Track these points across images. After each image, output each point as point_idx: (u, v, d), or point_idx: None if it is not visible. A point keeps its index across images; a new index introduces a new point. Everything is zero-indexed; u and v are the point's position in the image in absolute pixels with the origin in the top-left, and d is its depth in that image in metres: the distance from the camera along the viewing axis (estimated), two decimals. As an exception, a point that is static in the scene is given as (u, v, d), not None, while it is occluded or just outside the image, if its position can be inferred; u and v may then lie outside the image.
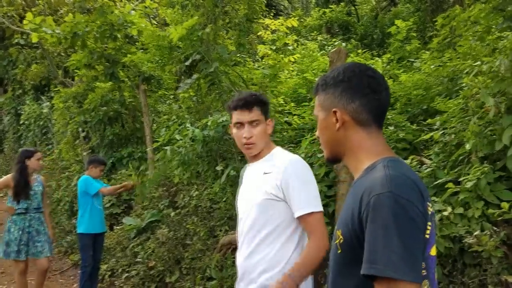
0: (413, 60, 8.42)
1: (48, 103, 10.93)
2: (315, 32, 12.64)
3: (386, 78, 5.79)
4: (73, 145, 8.84)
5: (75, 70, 7.41)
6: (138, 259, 5.43)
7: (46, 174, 8.78)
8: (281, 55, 5.51)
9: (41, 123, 11.59)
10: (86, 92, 7.80)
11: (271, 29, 5.72)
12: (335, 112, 1.26)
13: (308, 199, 1.96)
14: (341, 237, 1.20)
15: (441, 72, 5.88)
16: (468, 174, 3.35)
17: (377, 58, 7.96)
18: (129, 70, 7.00)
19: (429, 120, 4.71)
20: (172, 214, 5.61)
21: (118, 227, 6.34)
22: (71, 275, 6.17)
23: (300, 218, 1.96)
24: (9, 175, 4.90)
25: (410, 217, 1.05)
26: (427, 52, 8.59)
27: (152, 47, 6.24)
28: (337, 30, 13.65)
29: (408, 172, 1.17)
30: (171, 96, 8.38)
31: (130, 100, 7.86)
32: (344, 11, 14.09)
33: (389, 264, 1.01)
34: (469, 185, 3.10)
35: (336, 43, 10.50)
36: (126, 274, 5.25)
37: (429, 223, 1.14)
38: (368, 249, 1.06)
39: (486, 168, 3.11)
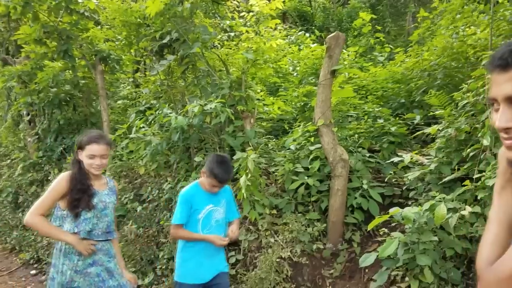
0: (378, 53, 8.41)
1: (-17, 82, 9.77)
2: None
3: (356, 70, 5.49)
4: (15, 129, 7.95)
5: (23, 46, 6.54)
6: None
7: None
8: (263, 40, 5.15)
9: (-27, 104, 10.38)
10: (34, 71, 6.96)
11: (247, 10, 5.32)
12: None
13: None
14: None
15: (420, 65, 5.81)
16: (481, 171, 3.23)
17: (344, 51, 7.85)
18: (85, 48, 6.30)
19: (409, 115, 4.62)
20: (139, 208, 5.10)
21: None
22: (21, 276, 5.42)
23: None
24: (65, 173, 2.73)
25: None
26: (390, 47, 8.63)
27: (118, 23, 5.63)
28: (296, 21, 13.44)
29: None
30: (130, 79, 7.74)
31: (84, 81, 7.12)
32: (303, 1, 13.91)
33: None
34: (490, 183, 2.95)
35: (299, 33, 10.30)
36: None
37: None
38: None
39: (507, 165, 2.97)
